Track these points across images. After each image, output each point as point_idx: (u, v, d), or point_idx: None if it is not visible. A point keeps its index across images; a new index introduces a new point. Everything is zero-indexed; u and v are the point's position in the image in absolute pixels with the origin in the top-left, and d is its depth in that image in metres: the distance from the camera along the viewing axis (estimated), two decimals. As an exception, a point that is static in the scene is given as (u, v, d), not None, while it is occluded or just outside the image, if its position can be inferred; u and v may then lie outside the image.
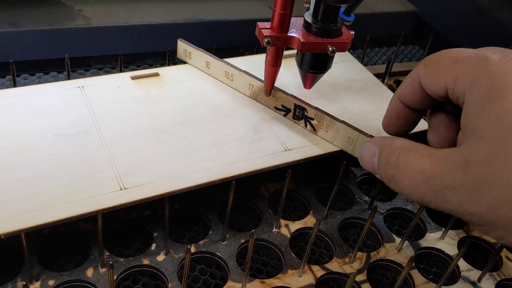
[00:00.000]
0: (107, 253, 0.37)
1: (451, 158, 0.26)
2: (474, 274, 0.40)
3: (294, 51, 0.40)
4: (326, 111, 0.40)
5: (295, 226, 0.41)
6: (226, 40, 0.61)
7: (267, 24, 0.37)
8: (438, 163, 0.26)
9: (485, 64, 0.26)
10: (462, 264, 0.41)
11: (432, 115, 0.33)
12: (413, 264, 0.40)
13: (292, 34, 0.37)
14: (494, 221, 0.24)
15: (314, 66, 0.40)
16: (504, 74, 0.25)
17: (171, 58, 0.48)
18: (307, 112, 0.41)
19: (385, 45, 0.70)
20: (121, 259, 0.36)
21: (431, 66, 0.30)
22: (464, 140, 0.26)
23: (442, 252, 0.41)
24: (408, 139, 0.29)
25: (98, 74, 0.56)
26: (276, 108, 0.43)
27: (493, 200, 0.24)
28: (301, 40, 0.37)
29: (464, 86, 0.27)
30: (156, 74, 0.44)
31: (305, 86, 0.43)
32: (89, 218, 0.32)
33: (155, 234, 0.38)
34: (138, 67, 0.58)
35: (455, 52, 0.29)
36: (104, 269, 0.35)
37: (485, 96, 0.25)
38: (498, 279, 0.40)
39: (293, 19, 0.38)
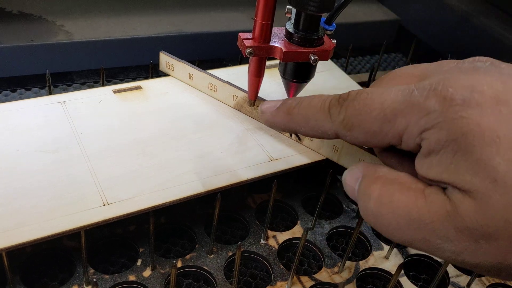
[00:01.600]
0: (92, 270, 0.36)
1: (438, 203, 0.23)
2: (464, 279, 0.40)
3: (277, 61, 0.40)
4: (310, 120, 0.40)
5: (283, 237, 0.41)
6: (209, 51, 0.61)
7: (249, 35, 0.37)
8: (425, 204, 0.23)
9: (429, 116, 0.23)
10: (451, 270, 0.41)
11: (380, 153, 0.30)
12: (402, 271, 0.40)
13: (274, 44, 0.37)
14: (497, 269, 0.23)
15: (297, 75, 0.40)
16: (457, 123, 0.22)
17: (154, 71, 0.48)
18: (291, 122, 0.40)
19: (368, 54, 0.71)
20: (107, 276, 0.36)
21: (356, 130, 0.26)
22: (439, 189, 0.23)
23: (431, 258, 0.41)
24: (392, 169, 0.26)
25: (81, 89, 0.55)
26: (260, 118, 0.42)
27: (495, 252, 0.22)
28: (283, 49, 0.36)
29: (412, 139, 0.24)
30: (139, 87, 0.44)
31: (288, 96, 0.43)
32: (73, 235, 0.32)
33: (141, 250, 0.38)
34: (121, 81, 0.58)
35: (379, 110, 0.25)
36: (89, 287, 0.35)
37: (448, 149, 0.22)
38: (487, 283, 0.40)
39: (275, 29, 0.38)
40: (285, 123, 0.31)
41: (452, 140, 0.22)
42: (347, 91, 0.27)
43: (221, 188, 0.36)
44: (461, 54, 0.29)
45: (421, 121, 0.23)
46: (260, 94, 0.41)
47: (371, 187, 0.25)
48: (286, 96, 0.43)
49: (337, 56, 0.67)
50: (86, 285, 0.35)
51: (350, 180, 0.27)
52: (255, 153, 0.39)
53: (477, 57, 0.25)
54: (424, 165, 0.24)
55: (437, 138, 0.23)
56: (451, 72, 0.24)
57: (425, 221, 0.23)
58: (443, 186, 0.23)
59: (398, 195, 0.24)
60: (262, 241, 0.40)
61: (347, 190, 0.28)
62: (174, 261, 0.32)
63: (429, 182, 0.24)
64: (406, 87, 0.24)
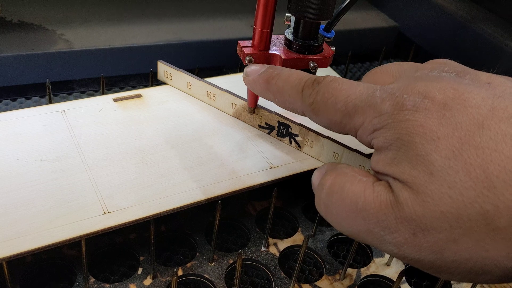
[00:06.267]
0: (93, 279, 0.36)
1: (383, 194, 0.24)
2: (465, 285, 0.40)
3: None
4: (310, 127, 0.40)
5: (283, 244, 0.41)
6: (209, 59, 0.61)
7: (248, 42, 0.37)
8: (371, 195, 0.24)
9: (381, 117, 0.25)
10: (453, 276, 0.40)
11: None
12: (404, 278, 0.40)
13: (273, 52, 0.37)
14: (437, 266, 0.23)
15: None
16: (403, 124, 0.24)
17: (154, 79, 0.48)
18: (291, 129, 0.41)
19: (368, 60, 0.71)
20: (107, 285, 0.35)
21: (321, 116, 0.29)
22: (386, 183, 0.25)
23: (432, 265, 0.41)
24: (352, 166, 0.28)
25: (81, 98, 0.55)
26: (260, 126, 0.42)
27: (432, 245, 0.23)
28: (283, 57, 0.37)
29: (365, 136, 0.27)
30: (139, 96, 0.44)
31: (288, 103, 0.43)
32: (73, 244, 0.32)
33: (141, 258, 0.38)
34: (121, 89, 0.58)
35: (343, 103, 0.27)
36: (89, 296, 0.35)
37: (392, 146, 0.24)
38: (489, 290, 0.40)
39: (274, 37, 0.38)
40: (262, 91, 0.34)
41: (397, 138, 0.24)
42: (325, 75, 0.30)
43: (221, 195, 0.36)
44: (460, 60, 0.30)
45: (374, 120, 0.25)
46: (259, 102, 0.41)
47: (325, 178, 0.27)
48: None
49: (336, 63, 0.68)
50: (87, 294, 0.35)
51: (316, 179, 0.29)
52: (255, 161, 0.39)
53: (448, 67, 0.27)
54: (374, 160, 0.26)
55: (385, 137, 0.25)
56: (417, 78, 0.26)
57: (370, 211, 0.24)
58: (387, 179, 0.25)
59: (348, 185, 0.25)
60: (263, 249, 0.40)
61: (313, 188, 0.29)
62: (175, 269, 0.32)
63: (378, 176, 0.26)
64: (372, 87, 0.27)
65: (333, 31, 0.39)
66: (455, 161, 0.22)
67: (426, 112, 0.24)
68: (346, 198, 0.25)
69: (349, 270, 0.39)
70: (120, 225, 0.32)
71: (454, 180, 0.22)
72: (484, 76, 0.26)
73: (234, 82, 0.46)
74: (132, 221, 0.33)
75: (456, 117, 0.23)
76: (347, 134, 0.28)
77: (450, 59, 0.31)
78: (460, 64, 0.29)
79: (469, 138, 0.22)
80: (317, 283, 0.38)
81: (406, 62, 0.31)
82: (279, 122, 0.41)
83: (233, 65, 0.62)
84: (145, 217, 0.33)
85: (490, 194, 0.21)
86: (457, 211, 0.22)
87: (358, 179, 0.25)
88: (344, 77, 0.55)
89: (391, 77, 0.30)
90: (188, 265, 0.38)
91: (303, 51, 0.37)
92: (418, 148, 0.23)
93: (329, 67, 0.52)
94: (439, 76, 0.26)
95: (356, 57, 0.70)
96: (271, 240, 0.41)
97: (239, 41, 0.37)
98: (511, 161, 0.21)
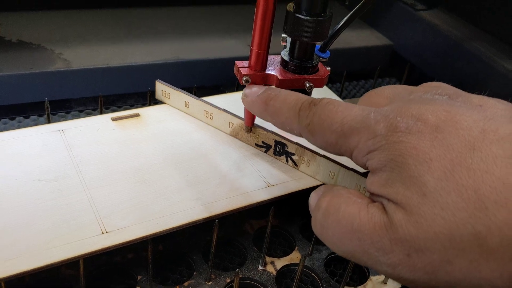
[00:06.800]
0: (90, 299, 0.36)
1: (377, 215, 0.25)
2: (462, 304, 0.40)
3: (273, 88, 0.41)
4: (306, 146, 0.40)
5: (280, 263, 0.41)
6: (206, 78, 0.62)
7: (245, 63, 0.38)
8: (366, 216, 0.25)
9: (375, 139, 0.26)
10: (449, 294, 0.41)
11: None
12: (401, 296, 0.40)
13: (270, 72, 0.38)
14: (432, 286, 0.24)
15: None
16: (397, 146, 0.24)
17: (152, 98, 0.49)
18: (287, 148, 0.41)
19: (363, 78, 0.72)
20: (104, 305, 0.35)
21: (317, 137, 0.29)
22: (380, 204, 0.25)
23: (429, 283, 0.41)
24: (348, 188, 0.28)
25: (79, 117, 0.56)
26: (256, 145, 0.43)
27: (426, 266, 0.23)
28: (279, 77, 0.37)
29: (360, 157, 0.27)
30: (137, 115, 0.45)
31: (285, 122, 0.43)
32: (71, 263, 0.32)
33: (139, 277, 0.38)
34: (119, 108, 0.58)
35: (339, 124, 0.28)
36: (86, 316, 0.34)
37: (386, 167, 0.25)
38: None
39: (270, 57, 0.38)
40: (260, 112, 0.34)
41: (391, 160, 0.25)
42: (322, 97, 0.30)
43: (219, 215, 0.36)
44: (453, 78, 0.30)
45: (368, 142, 0.26)
46: (256, 121, 0.42)
47: (321, 200, 0.27)
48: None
49: (332, 81, 0.68)
50: (84, 314, 0.34)
51: (313, 201, 0.29)
52: (252, 180, 0.40)
53: (441, 90, 0.28)
54: (369, 181, 0.26)
55: (379, 159, 0.25)
56: (411, 101, 0.27)
57: (364, 232, 0.24)
58: (381, 201, 0.25)
59: (344, 207, 0.26)
60: (260, 268, 0.40)
61: (310, 209, 0.29)
62: (172, 289, 0.32)
63: (373, 198, 0.26)
64: (367, 109, 0.27)
65: (328, 52, 0.39)
66: (447, 182, 0.22)
67: (419, 134, 0.24)
68: (342, 219, 0.26)
69: (346, 288, 0.39)
70: (118, 245, 0.33)
71: (447, 201, 0.22)
72: (476, 98, 0.26)
73: (231, 101, 0.47)
74: (130, 241, 0.33)
75: (448, 139, 0.23)
76: (343, 155, 0.29)
77: (444, 77, 0.31)
78: (453, 87, 0.29)
79: (461, 160, 0.23)
80: (314, 302, 0.38)
81: (400, 85, 0.32)
82: (275, 141, 0.42)
83: (231, 84, 0.63)
84: (143, 237, 0.33)
85: (482, 215, 0.21)
86: (450, 232, 0.22)
87: (353, 201, 0.26)
88: (340, 95, 0.56)
89: (386, 100, 0.31)
90: (186, 284, 0.38)
91: (299, 71, 0.38)
92: (411, 169, 0.24)
93: (324, 86, 0.53)
94: (432, 99, 0.27)
95: (351, 76, 0.71)
96: (268, 259, 0.41)
97: (236, 62, 0.38)
98: (501, 182, 0.21)
